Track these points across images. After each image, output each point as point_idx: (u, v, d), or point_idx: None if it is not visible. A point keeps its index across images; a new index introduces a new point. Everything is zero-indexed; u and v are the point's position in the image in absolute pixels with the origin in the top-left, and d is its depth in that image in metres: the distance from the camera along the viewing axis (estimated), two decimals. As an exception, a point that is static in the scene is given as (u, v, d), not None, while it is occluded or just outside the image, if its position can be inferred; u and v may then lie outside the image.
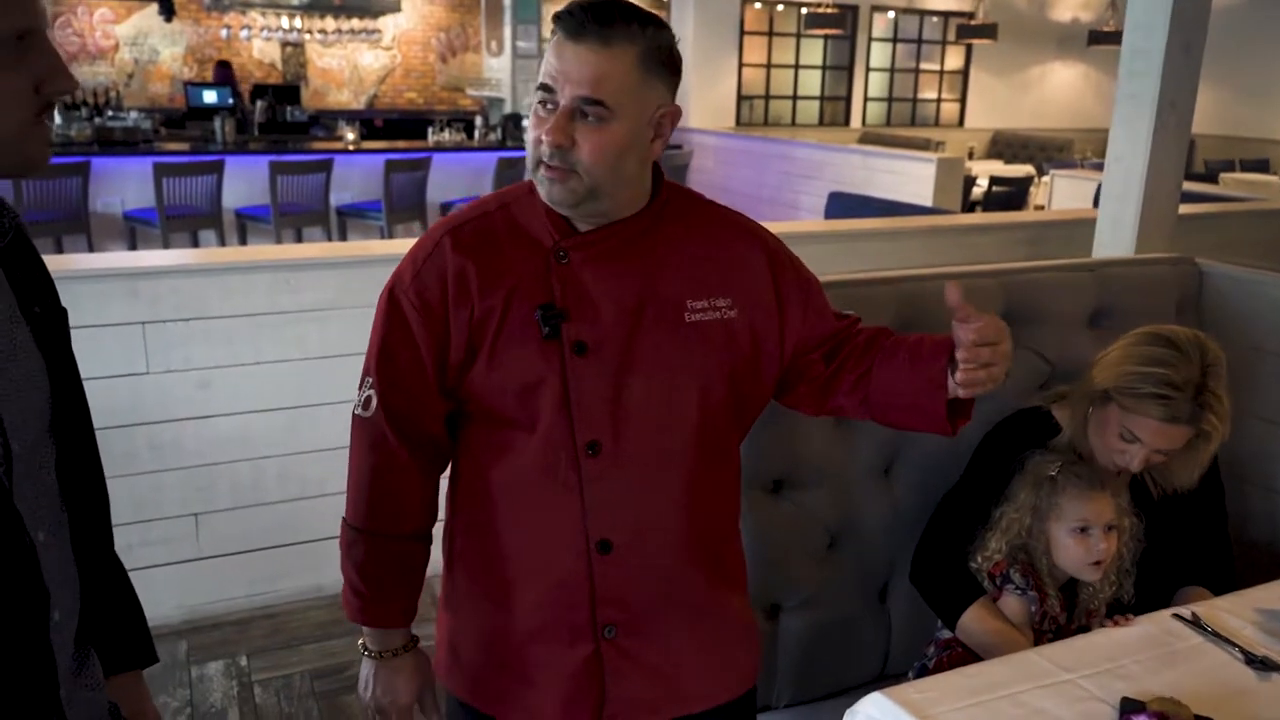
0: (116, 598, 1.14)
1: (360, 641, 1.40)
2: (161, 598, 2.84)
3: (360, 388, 1.32)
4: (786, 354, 1.37)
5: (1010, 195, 7.72)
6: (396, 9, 10.61)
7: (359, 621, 1.37)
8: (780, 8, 10.40)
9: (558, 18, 1.19)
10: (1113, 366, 1.64)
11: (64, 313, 1.05)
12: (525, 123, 1.25)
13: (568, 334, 1.24)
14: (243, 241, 6.65)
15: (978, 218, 5.19)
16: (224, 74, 9.64)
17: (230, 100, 8.75)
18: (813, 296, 1.39)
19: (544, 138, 1.18)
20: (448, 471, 1.40)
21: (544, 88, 1.19)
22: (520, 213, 1.30)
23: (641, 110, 1.20)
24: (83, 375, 2.80)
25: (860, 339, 1.39)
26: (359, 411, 1.31)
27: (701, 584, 1.37)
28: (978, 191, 7.93)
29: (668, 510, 1.32)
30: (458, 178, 7.39)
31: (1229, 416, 1.61)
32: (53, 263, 2.93)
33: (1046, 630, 1.63)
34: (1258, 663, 1.40)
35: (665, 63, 1.22)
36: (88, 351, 2.58)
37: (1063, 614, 1.65)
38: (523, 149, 7.95)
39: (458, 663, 1.41)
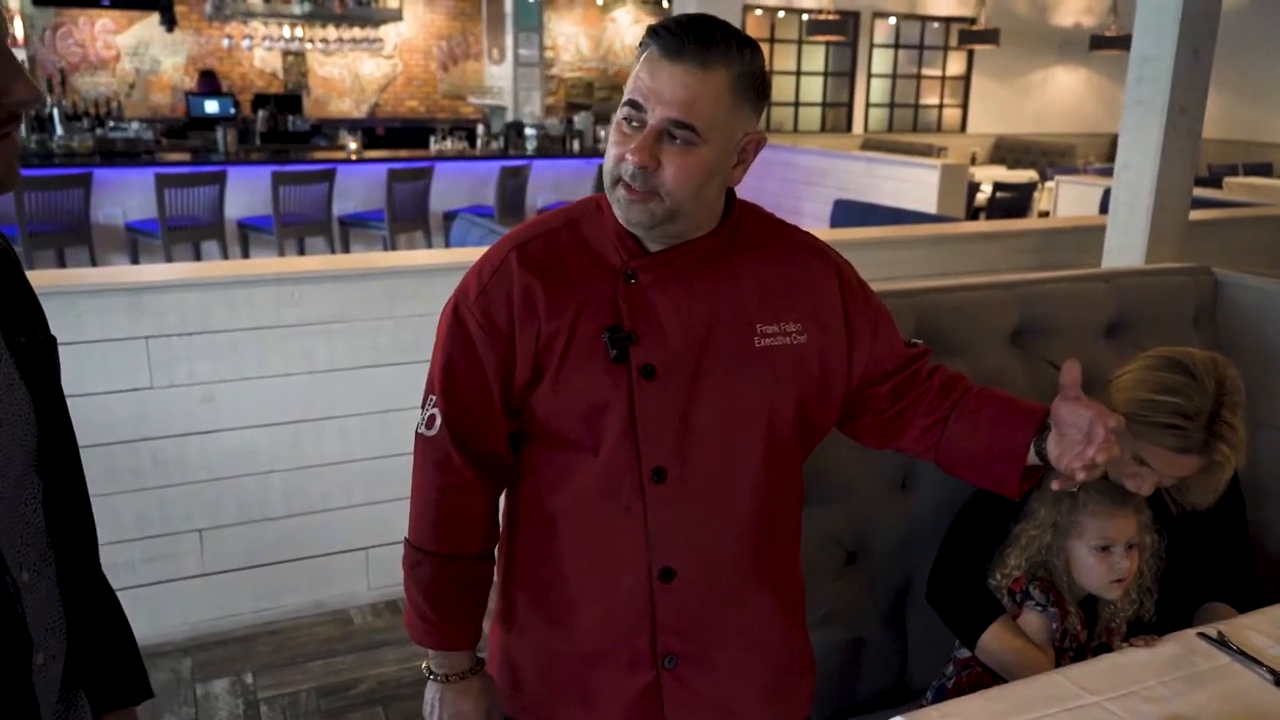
0: (108, 633, 1.10)
1: (424, 664, 1.37)
2: (166, 614, 2.82)
3: (423, 406, 1.29)
4: (853, 382, 1.34)
5: (1014, 201, 7.70)
6: (398, 18, 10.60)
7: (426, 645, 1.34)
8: (781, 14, 10.39)
9: (655, 33, 1.15)
10: (1126, 391, 1.61)
11: (53, 341, 1.01)
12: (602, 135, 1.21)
13: (635, 357, 1.21)
14: (245, 252, 6.63)
15: (985, 226, 5.18)
16: (210, 83, 9.51)
17: (232, 110, 8.74)
18: (881, 325, 1.36)
19: (628, 157, 1.14)
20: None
21: (632, 104, 1.15)
22: (588, 230, 1.26)
23: (729, 136, 1.17)
24: (86, 390, 2.78)
25: (934, 382, 1.36)
26: (423, 430, 1.28)
27: (765, 615, 1.35)
28: (981, 198, 7.90)
29: (732, 538, 1.29)
30: (460, 187, 7.37)
31: (1244, 446, 1.58)
32: (56, 277, 2.94)
33: (1067, 648, 1.60)
34: (1287, 684, 1.38)
35: (756, 88, 1.19)
36: (91, 366, 2.59)
37: (1084, 631, 1.62)
38: (525, 158, 7.92)
39: (513, 683, 1.39)
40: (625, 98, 1.16)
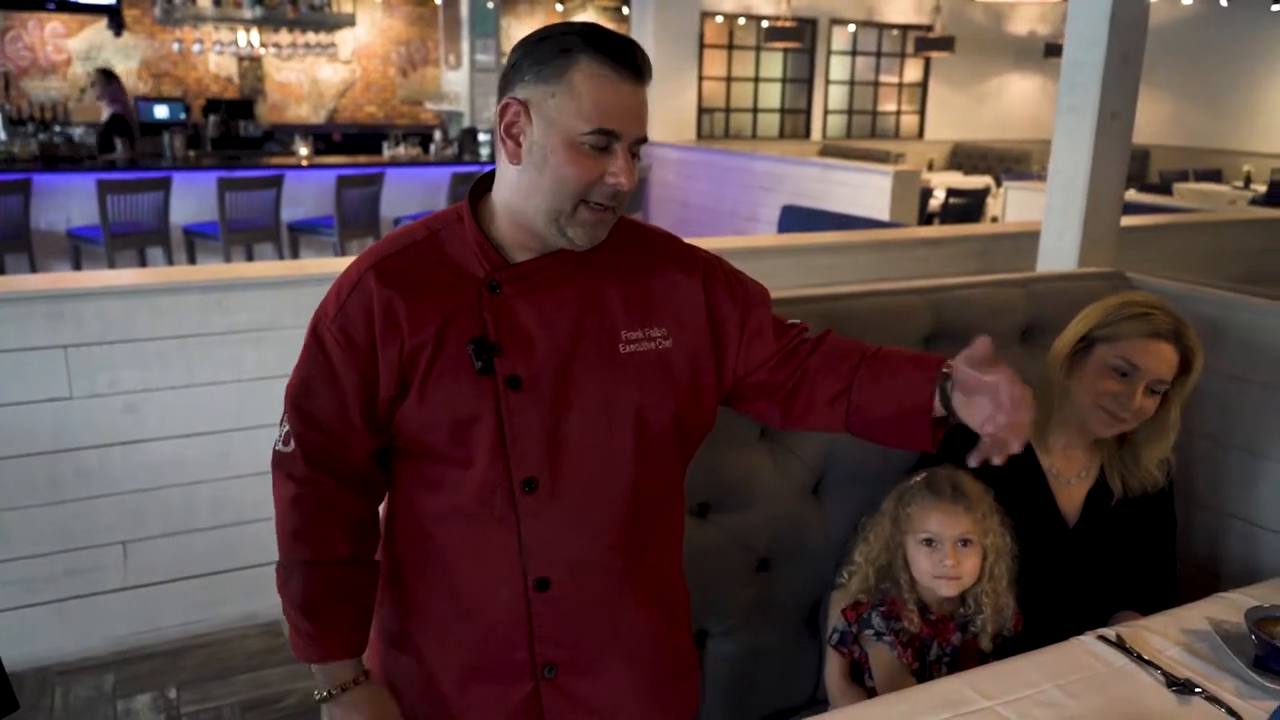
0: None
1: (315, 692, 1.33)
2: (88, 629, 2.76)
3: (281, 423, 1.28)
4: (725, 380, 1.34)
5: (967, 207, 7.77)
6: (351, 23, 10.52)
7: (305, 660, 1.30)
8: (740, 21, 10.44)
9: (604, 54, 1.13)
10: (1087, 316, 1.74)
11: None
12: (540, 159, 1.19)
13: (501, 368, 1.21)
14: (191, 259, 6.54)
15: (927, 231, 5.21)
16: (111, 89, 8.01)
17: (182, 115, 8.62)
18: (751, 315, 1.34)
19: (611, 180, 1.15)
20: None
21: (605, 132, 1.13)
22: (449, 242, 1.25)
23: None
24: (2, 400, 2.70)
25: (822, 351, 1.34)
26: (278, 447, 1.27)
27: (643, 621, 1.34)
28: (935, 203, 7.97)
29: (608, 546, 1.28)
30: (413, 192, 7.32)
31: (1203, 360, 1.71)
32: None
33: (940, 658, 1.60)
34: (1179, 685, 1.38)
35: None
36: (6, 376, 2.53)
37: (956, 634, 1.61)
38: (479, 163, 7.88)
39: (394, 699, 1.37)
40: (592, 126, 1.13)
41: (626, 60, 1.13)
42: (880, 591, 1.61)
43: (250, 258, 6.59)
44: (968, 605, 1.60)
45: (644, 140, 1.17)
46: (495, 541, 1.24)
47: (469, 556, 1.27)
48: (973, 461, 1.22)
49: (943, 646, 1.60)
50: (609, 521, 1.27)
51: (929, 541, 1.56)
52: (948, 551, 1.54)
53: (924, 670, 1.58)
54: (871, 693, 1.59)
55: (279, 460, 1.27)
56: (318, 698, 1.32)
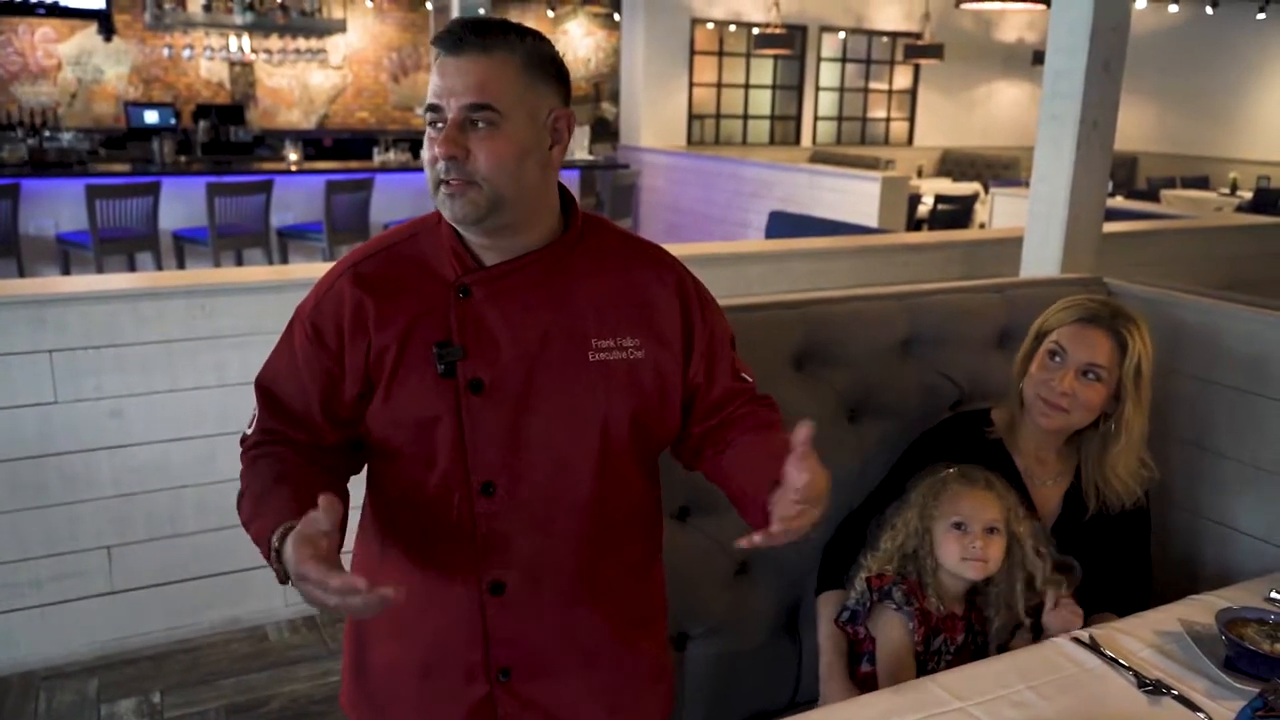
0: None
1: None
2: (73, 634, 2.76)
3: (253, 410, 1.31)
4: (684, 397, 1.34)
5: (955, 213, 7.80)
6: (342, 29, 10.53)
7: (263, 544, 1.14)
8: (731, 28, 10.47)
9: (437, 39, 1.18)
10: (1039, 318, 1.80)
11: None
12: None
13: (464, 372, 1.21)
14: (180, 264, 6.54)
15: (912, 237, 5.23)
16: None
17: (172, 120, 8.63)
18: (715, 348, 1.34)
19: (438, 151, 1.15)
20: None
21: (431, 108, 1.17)
22: (427, 244, 1.26)
23: (533, 113, 1.18)
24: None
25: (750, 407, 1.35)
26: (245, 431, 1.29)
27: (602, 626, 1.34)
28: (923, 210, 8.01)
29: (565, 552, 1.29)
30: (401, 198, 7.32)
31: (1149, 349, 1.71)
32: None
33: (941, 651, 1.62)
34: (1150, 686, 1.40)
35: (550, 69, 1.20)
36: (-7, 380, 2.53)
37: (962, 635, 1.63)
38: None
39: (361, 690, 1.39)
40: (425, 105, 1.19)
41: (448, 35, 1.16)
42: (901, 575, 1.64)
43: (240, 263, 6.60)
44: (982, 602, 1.64)
45: (483, 107, 1.14)
46: (451, 542, 1.25)
47: (427, 556, 1.28)
48: (741, 543, 1.12)
49: (947, 641, 1.62)
50: (567, 528, 1.27)
51: (959, 525, 1.59)
52: (977, 534, 1.58)
53: (925, 656, 1.61)
54: (864, 681, 1.63)
55: (242, 441, 1.29)
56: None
